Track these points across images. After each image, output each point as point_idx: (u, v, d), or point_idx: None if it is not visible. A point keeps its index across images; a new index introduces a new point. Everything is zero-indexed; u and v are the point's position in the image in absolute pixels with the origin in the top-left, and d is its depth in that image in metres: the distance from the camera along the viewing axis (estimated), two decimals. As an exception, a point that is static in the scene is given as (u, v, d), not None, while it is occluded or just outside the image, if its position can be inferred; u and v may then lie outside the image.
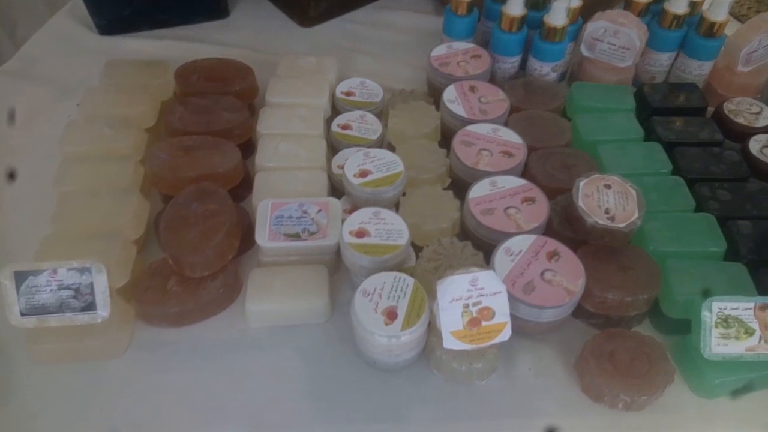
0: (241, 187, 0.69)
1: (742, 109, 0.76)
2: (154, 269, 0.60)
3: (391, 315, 0.51)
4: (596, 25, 0.79)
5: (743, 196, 0.65)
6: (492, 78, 0.86)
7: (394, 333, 0.50)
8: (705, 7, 0.80)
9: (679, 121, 0.75)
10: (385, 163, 0.65)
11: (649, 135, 0.75)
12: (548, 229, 0.64)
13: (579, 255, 0.59)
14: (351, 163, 0.65)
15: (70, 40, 0.94)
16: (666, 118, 0.75)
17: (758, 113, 0.75)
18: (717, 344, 0.53)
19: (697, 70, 0.83)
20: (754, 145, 0.71)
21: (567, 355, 0.58)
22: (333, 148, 0.74)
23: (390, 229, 0.58)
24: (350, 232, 0.58)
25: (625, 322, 0.59)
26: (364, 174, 0.64)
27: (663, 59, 0.84)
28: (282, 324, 0.59)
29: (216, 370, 0.56)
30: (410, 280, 0.54)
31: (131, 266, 0.59)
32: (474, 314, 0.52)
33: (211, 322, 0.60)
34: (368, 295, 0.53)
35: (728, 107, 0.76)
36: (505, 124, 0.74)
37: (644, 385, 0.52)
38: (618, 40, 0.79)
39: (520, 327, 0.57)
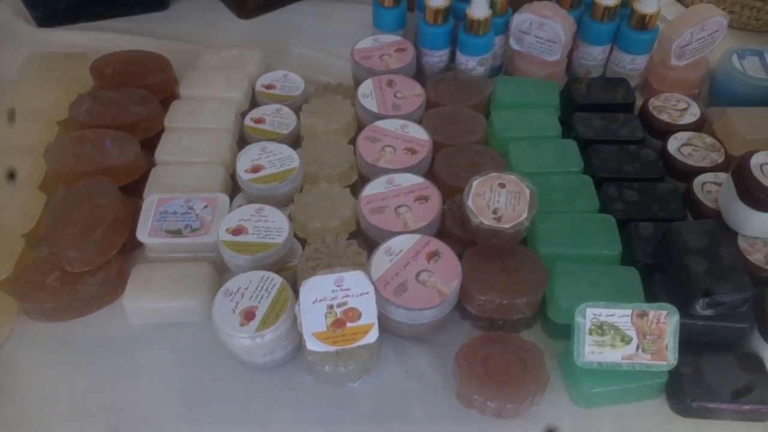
0: (144, 182, 0.68)
1: (668, 106, 0.73)
2: (38, 263, 0.59)
3: (248, 315, 0.50)
4: (522, 18, 0.77)
5: (652, 197, 0.63)
6: (421, 72, 0.84)
7: (248, 334, 0.49)
8: (637, -2, 0.77)
9: (601, 117, 0.72)
10: (281, 159, 0.64)
11: (570, 132, 0.72)
12: (442, 229, 0.62)
13: (466, 256, 0.58)
14: (245, 157, 0.64)
15: (7, 32, 0.93)
16: (588, 114, 0.73)
17: (684, 110, 0.72)
18: (591, 352, 0.51)
19: (630, 64, 0.79)
20: (673, 143, 0.68)
21: (447, 358, 0.56)
22: (247, 143, 0.73)
23: (269, 226, 0.57)
24: (227, 230, 0.57)
25: (510, 326, 0.57)
26: (256, 169, 0.63)
27: (596, 53, 0.81)
28: (162, 321, 0.58)
29: (90, 367, 0.56)
30: (278, 280, 0.53)
31: (15, 260, 0.59)
32: (338, 315, 0.51)
33: (94, 318, 0.59)
34: (230, 294, 0.52)
35: (654, 103, 0.73)
36: (420, 120, 0.72)
37: (512, 393, 0.50)
38: (544, 33, 0.76)
39: (395, 328, 0.56)
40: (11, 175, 0.66)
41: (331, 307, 0.51)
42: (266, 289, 0.52)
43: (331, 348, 0.51)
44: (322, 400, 0.53)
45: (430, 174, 0.67)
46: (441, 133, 0.70)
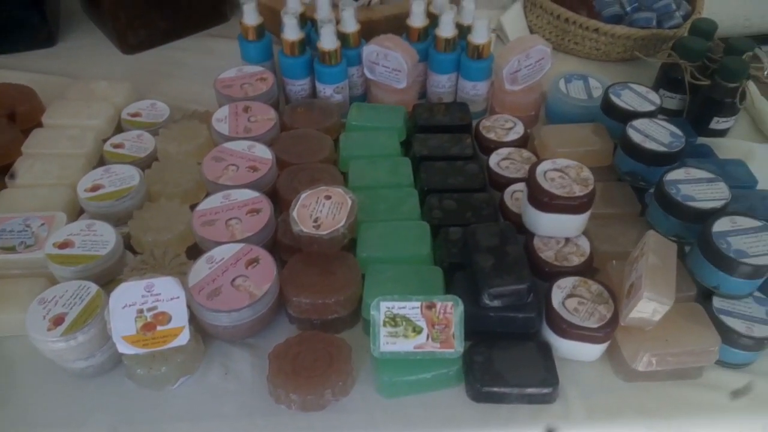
0: (-4, 205, 0.70)
1: (496, 126, 0.80)
2: None
3: (57, 321, 0.53)
4: (370, 49, 0.84)
5: (467, 206, 0.69)
6: (287, 100, 0.90)
7: (54, 338, 0.52)
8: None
9: (438, 137, 0.79)
10: (122, 178, 0.68)
11: (409, 151, 0.78)
12: (275, 238, 0.66)
13: (290, 262, 0.62)
14: (87, 178, 0.68)
15: None
16: (427, 135, 0.79)
17: (510, 129, 0.79)
18: (386, 343, 0.55)
19: (473, 90, 0.87)
20: (494, 158, 0.75)
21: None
22: (107, 167, 0.77)
23: (96, 240, 0.60)
24: (54, 244, 0.60)
25: (329, 325, 0.61)
26: (96, 188, 0.67)
27: (444, 81, 0.88)
28: (-6, 335, 0.60)
29: None
30: (93, 288, 0.56)
31: None
32: (149, 319, 0.54)
33: (-75, 335, 0.61)
34: (44, 303, 0.54)
35: (484, 124, 0.80)
36: (272, 142, 0.77)
37: (311, 385, 0.54)
38: (390, 63, 0.83)
39: (215, 331, 0.59)
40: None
41: (141, 311, 0.54)
42: (80, 297, 0.55)
43: (142, 350, 0.54)
44: (138, 403, 0.56)
45: (272, 189, 0.72)
46: (289, 153, 0.76)
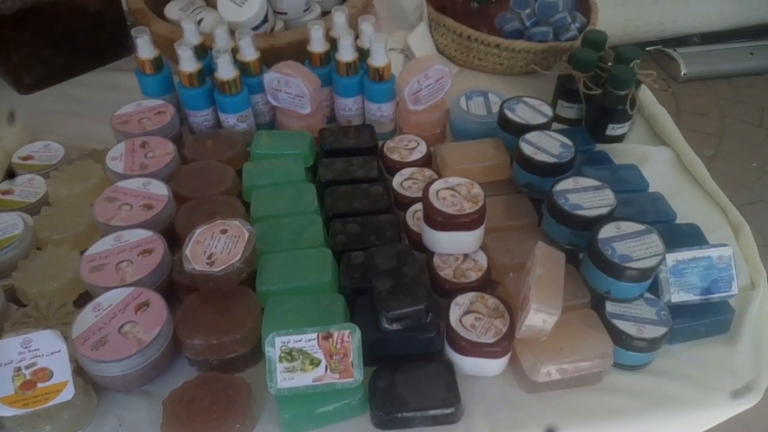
0: None
1: (400, 146, 0.80)
2: None
3: None
4: (270, 77, 0.83)
5: (371, 228, 0.69)
6: (192, 132, 0.88)
7: None
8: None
9: (344, 161, 0.78)
10: (4, 227, 0.65)
11: (315, 176, 0.78)
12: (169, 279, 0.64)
13: (184, 302, 0.60)
14: (-35, 230, 0.64)
15: None
16: (333, 159, 0.79)
17: (414, 148, 0.80)
18: (283, 379, 0.53)
19: (379, 111, 0.88)
20: (398, 178, 0.75)
21: (166, 406, 0.57)
22: (-3, 215, 0.73)
23: (-28, 296, 0.57)
24: (-77, 304, 0.56)
25: (229, 365, 0.59)
26: (-25, 240, 0.63)
27: (349, 104, 0.88)
28: None
29: None
30: (-35, 348, 0.52)
31: None
32: (28, 377, 0.51)
33: None
34: None
35: (388, 145, 0.81)
36: (170, 177, 0.75)
37: (207, 431, 0.52)
38: (292, 89, 0.83)
39: (105, 382, 0.57)
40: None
41: (18, 369, 0.51)
42: (-50, 359, 0.51)
43: (22, 411, 0.50)
44: (22, 468, 0.52)
45: (170, 227, 0.70)
46: (187, 188, 0.74)
